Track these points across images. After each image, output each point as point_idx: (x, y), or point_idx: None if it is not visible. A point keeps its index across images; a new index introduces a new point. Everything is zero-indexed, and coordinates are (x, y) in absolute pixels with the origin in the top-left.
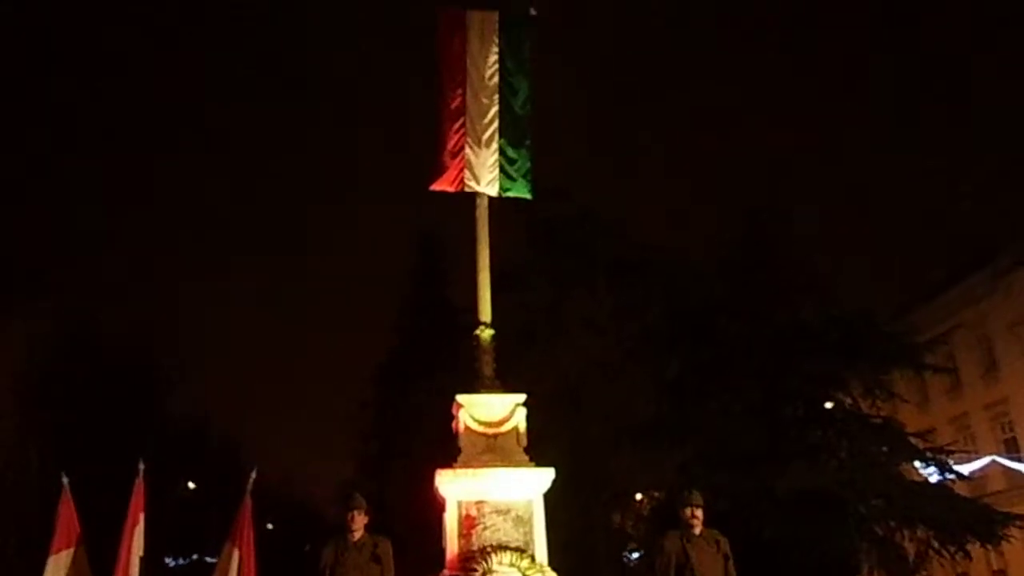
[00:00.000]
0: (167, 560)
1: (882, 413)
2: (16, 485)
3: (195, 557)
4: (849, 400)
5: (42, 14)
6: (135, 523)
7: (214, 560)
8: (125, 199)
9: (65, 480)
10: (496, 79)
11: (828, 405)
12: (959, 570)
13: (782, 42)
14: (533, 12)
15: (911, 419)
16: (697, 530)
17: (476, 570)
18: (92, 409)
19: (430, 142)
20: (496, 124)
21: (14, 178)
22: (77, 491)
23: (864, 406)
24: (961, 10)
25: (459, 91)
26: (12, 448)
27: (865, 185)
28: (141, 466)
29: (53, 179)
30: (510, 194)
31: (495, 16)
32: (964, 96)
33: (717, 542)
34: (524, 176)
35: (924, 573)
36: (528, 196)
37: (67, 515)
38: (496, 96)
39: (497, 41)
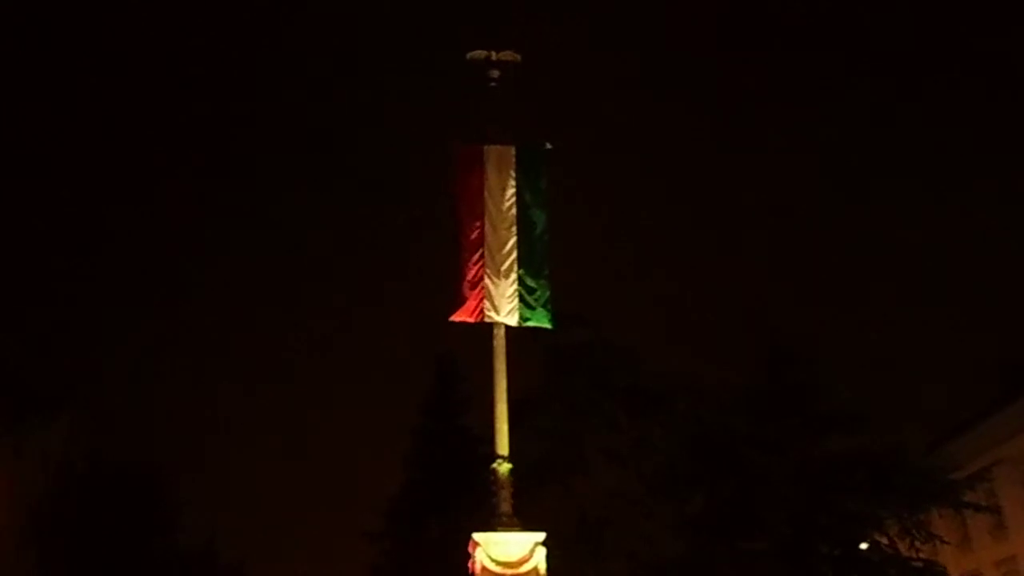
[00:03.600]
0: None
1: (922, 555)
2: None
3: None
4: (885, 541)
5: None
6: None
7: None
8: (129, 323)
9: None
10: (514, 211)
11: (863, 546)
12: None
13: (807, 155)
14: (549, 146)
15: (953, 562)
16: None
17: None
18: (103, 537)
19: (448, 272)
20: (515, 255)
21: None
22: None
23: (902, 547)
24: None
25: (478, 223)
26: (22, 566)
27: (898, 301)
28: None
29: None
30: (530, 324)
31: (511, 150)
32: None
33: None
34: (544, 305)
35: None
36: (548, 326)
37: None
38: (514, 228)
39: (514, 175)
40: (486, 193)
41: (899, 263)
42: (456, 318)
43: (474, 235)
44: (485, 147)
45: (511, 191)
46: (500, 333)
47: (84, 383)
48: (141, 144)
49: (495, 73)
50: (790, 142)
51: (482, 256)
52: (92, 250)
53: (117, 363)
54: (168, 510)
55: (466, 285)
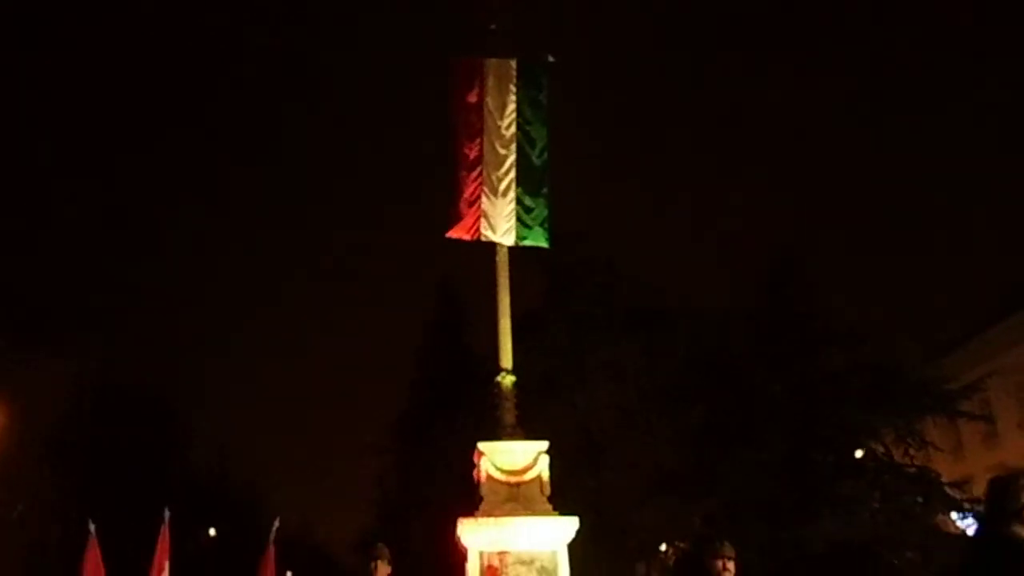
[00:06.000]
0: None
1: (916, 462)
2: (45, 532)
3: None
4: (881, 449)
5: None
6: (161, 570)
7: None
8: (143, 250)
9: (92, 527)
10: (513, 128)
11: (859, 454)
12: None
13: (808, 85)
14: (551, 59)
15: (946, 468)
16: None
17: None
18: (117, 459)
19: (446, 189)
20: (513, 174)
21: (34, 234)
22: (103, 538)
23: (897, 455)
24: None
25: (477, 140)
26: (43, 496)
27: (896, 221)
28: (167, 514)
29: (75, 233)
30: (526, 243)
31: (512, 64)
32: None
33: None
34: (541, 225)
35: None
36: (545, 245)
37: (93, 561)
38: (513, 146)
39: (514, 90)
40: (485, 109)
41: (904, 182)
42: (452, 234)
43: (473, 153)
44: (485, 60)
45: (511, 107)
46: (503, 250)
47: (93, 310)
48: (152, 66)
49: None
50: (796, 65)
51: (480, 174)
52: (97, 173)
53: (126, 291)
54: (180, 432)
55: (463, 203)
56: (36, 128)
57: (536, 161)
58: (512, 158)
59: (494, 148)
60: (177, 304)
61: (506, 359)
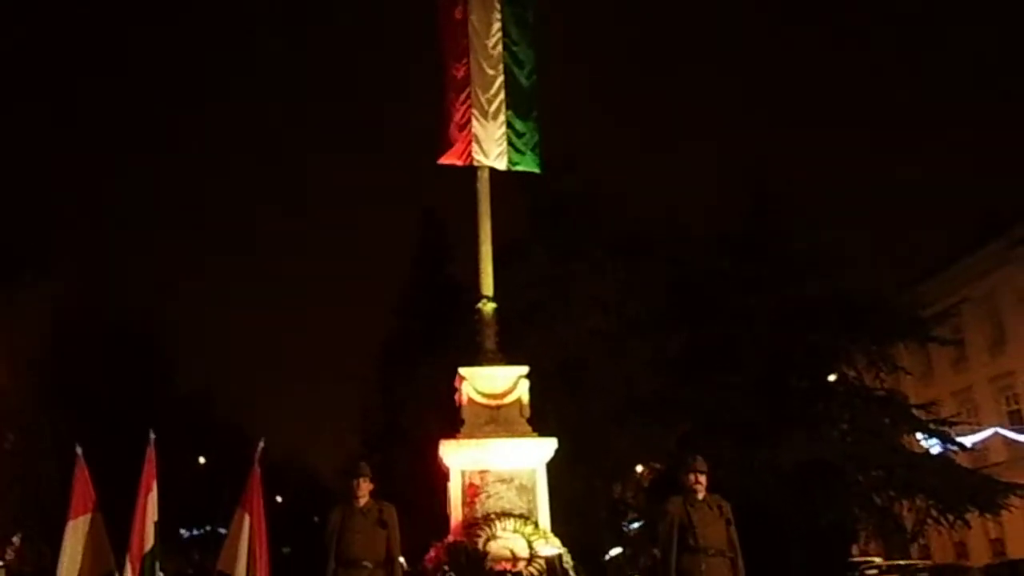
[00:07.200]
0: (182, 531)
1: (885, 386)
2: (33, 456)
3: (208, 528)
4: (853, 373)
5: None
6: (148, 490)
7: (227, 531)
8: (122, 179)
9: (79, 450)
10: (500, 48)
11: (832, 378)
12: (956, 539)
13: (787, 13)
14: None
15: (915, 392)
16: (700, 495)
17: (480, 536)
18: (102, 385)
19: (433, 118)
20: (502, 96)
21: (14, 162)
22: (91, 462)
23: (868, 379)
24: None
25: (464, 60)
26: (29, 422)
27: (875, 154)
28: (152, 436)
29: (54, 158)
30: (519, 168)
31: None
32: (984, 63)
33: (719, 507)
34: (532, 150)
35: (921, 542)
36: (537, 170)
37: (82, 483)
38: (501, 66)
39: (499, 6)
40: (470, 27)
41: (889, 109)
42: (444, 161)
43: (460, 74)
44: None
45: (496, 26)
46: (484, 176)
47: (70, 240)
48: None
49: None
50: None
51: (469, 96)
52: (76, 95)
53: (104, 223)
54: (166, 360)
55: (454, 127)
56: None
57: (525, 83)
58: (500, 79)
59: (482, 68)
60: (157, 230)
61: (487, 286)
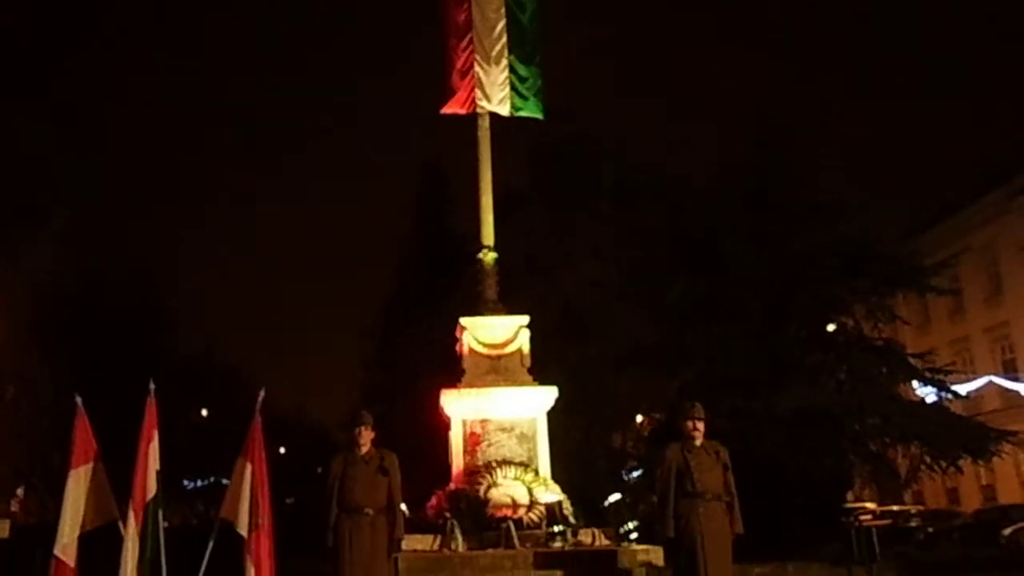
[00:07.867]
0: (185, 482)
1: (883, 335)
2: (34, 409)
3: (211, 479)
4: (851, 323)
5: None
6: (149, 439)
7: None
8: (117, 135)
9: (79, 400)
10: None
11: (830, 328)
12: (949, 485)
13: None
14: None
15: (912, 341)
16: (698, 441)
17: (481, 483)
18: (102, 338)
19: (434, 68)
20: (505, 39)
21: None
22: (92, 413)
23: (866, 328)
24: None
25: (464, 4)
26: (28, 375)
27: (876, 105)
28: (152, 385)
29: (48, 116)
30: (522, 114)
31: None
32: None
33: (717, 452)
34: (535, 95)
35: (915, 488)
36: (540, 116)
37: (83, 432)
38: (503, 10)
39: None
40: None
41: (894, 55)
42: (447, 110)
43: (461, 18)
44: None
45: None
46: (484, 124)
47: (67, 190)
48: None
49: None
50: None
51: (471, 42)
52: (81, 48)
53: (102, 175)
54: (166, 313)
55: (456, 74)
56: None
57: (527, 27)
58: (502, 23)
59: (483, 12)
60: (155, 185)
61: (488, 236)
